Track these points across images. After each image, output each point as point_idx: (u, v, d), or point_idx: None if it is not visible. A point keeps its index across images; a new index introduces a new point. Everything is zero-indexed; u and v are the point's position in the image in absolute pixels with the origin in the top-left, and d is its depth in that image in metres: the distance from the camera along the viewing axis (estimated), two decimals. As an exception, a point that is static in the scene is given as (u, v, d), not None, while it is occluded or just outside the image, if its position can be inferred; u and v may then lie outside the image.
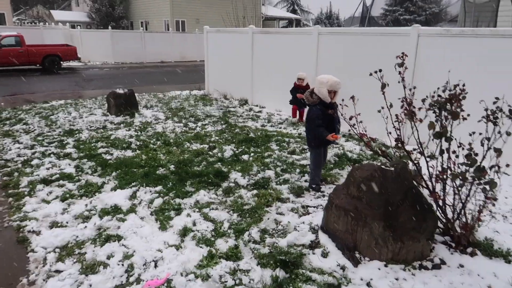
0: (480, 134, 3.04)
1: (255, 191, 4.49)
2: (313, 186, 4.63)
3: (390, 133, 3.65)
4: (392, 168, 3.17)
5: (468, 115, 3.08)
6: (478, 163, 3.05)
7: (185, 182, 4.74)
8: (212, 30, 11.17)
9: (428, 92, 3.39)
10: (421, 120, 3.41)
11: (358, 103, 3.72)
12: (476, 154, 3.08)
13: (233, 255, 3.26)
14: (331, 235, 3.47)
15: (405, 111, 3.39)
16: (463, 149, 3.13)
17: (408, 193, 3.12)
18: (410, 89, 3.51)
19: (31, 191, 4.54)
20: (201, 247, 3.38)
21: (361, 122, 3.81)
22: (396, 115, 3.46)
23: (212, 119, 8.24)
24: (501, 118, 2.97)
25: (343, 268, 3.06)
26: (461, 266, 3.06)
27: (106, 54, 21.90)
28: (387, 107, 3.50)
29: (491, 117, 3.00)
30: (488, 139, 3.05)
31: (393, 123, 3.52)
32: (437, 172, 3.33)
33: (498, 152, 2.99)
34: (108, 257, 3.27)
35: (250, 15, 20.90)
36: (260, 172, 5.12)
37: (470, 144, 3.08)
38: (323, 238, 3.49)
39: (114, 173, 5.02)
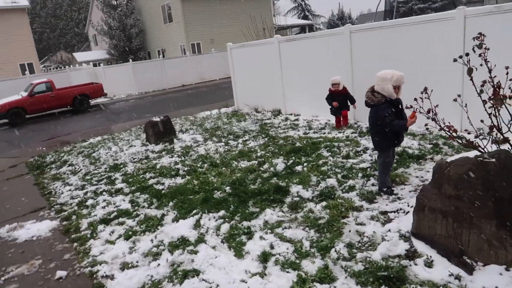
0: None
1: (324, 203, 4.20)
2: (384, 189, 4.28)
3: (470, 122, 3.30)
4: (494, 159, 2.81)
5: None
6: None
7: (247, 202, 4.50)
8: (235, 46, 11.08)
9: (486, 76, 3.05)
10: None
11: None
12: None
13: (326, 276, 2.96)
14: (427, 241, 3.12)
15: (494, 96, 3.04)
16: None
17: (520, 184, 2.75)
18: (490, 71, 3.16)
19: (93, 233, 4.41)
20: (287, 271, 3.10)
21: (435, 114, 3.48)
22: (489, 99, 3.10)
23: (251, 134, 8.03)
24: None
25: (457, 277, 2.70)
26: None
27: (130, 86, 22.31)
28: (478, 93, 3.13)
29: None
30: None
31: (485, 110, 3.14)
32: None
33: None
34: (191, 295, 3.04)
35: (263, 27, 20.88)
36: (320, 182, 4.82)
37: None
38: (419, 245, 3.14)
39: (171, 203, 4.85)
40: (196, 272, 3.32)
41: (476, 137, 3.41)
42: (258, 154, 6.41)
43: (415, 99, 3.46)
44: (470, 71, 3.09)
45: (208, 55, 24.95)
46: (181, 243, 3.86)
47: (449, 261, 2.89)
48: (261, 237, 3.69)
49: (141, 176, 6.11)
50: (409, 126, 3.78)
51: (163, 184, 5.60)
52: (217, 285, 3.09)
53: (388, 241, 3.28)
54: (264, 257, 3.33)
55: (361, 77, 7.35)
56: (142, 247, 3.92)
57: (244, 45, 10.92)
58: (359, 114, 7.66)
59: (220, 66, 23.62)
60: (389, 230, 3.45)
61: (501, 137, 3.07)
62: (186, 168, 6.15)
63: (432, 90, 3.50)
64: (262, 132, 8.04)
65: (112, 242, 4.15)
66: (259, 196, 4.62)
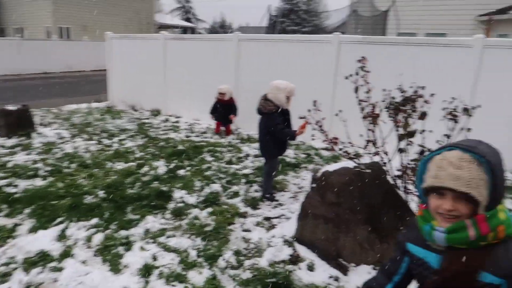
0: (431, 131, 3.19)
1: (209, 209, 4.08)
2: (267, 196, 4.41)
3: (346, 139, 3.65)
4: (369, 170, 3.13)
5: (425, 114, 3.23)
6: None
7: (124, 209, 4.06)
8: (116, 37, 10.14)
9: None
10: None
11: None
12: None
13: (214, 287, 2.83)
14: (309, 245, 3.29)
15: (370, 114, 3.40)
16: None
17: (388, 194, 3.12)
18: (366, 92, 3.55)
19: None
20: (173, 285, 2.87)
21: (321, 126, 3.75)
22: (369, 116, 3.44)
23: (128, 133, 7.41)
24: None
25: (336, 279, 2.90)
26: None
27: (-32, 65, 18.32)
28: (361, 110, 3.46)
29: (450, 115, 3.18)
30: (448, 136, 3.23)
31: (365, 125, 3.49)
32: (401, 169, 3.42)
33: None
34: (53, 322, 2.53)
35: (145, 22, 19.88)
36: (205, 187, 4.70)
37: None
38: (302, 250, 3.29)
39: (27, 210, 4.03)
40: (60, 294, 2.79)
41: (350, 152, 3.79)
42: (137, 156, 5.92)
43: (309, 110, 3.65)
44: (356, 90, 3.41)
45: (79, 42, 22.35)
46: (41, 259, 3.22)
47: (328, 263, 3.10)
48: (142, 248, 3.35)
49: (-16, 176, 4.96)
50: (298, 135, 3.96)
51: (16, 186, 4.65)
52: (89, 307, 2.65)
53: (273, 247, 3.35)
54: (146, 271, 3.01)
55: (248, 84, 7.55)
56: (-16, 266, 3.13)
57: (128, 37, 10.11)
58: (241, 121, 7.83)
59: (92, 57, 21.35)
60: (274, 236, 3.54)
61: (374, 150, 3.45)
62: (48, 168, 5.25)
63: (320, 104, 3.75)
64: (140, 132, 7.50)
65: None
66: (139, 201, 4.22)
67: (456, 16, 13.66)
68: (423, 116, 3.22)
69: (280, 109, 4.09)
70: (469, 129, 3.17)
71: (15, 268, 3.10)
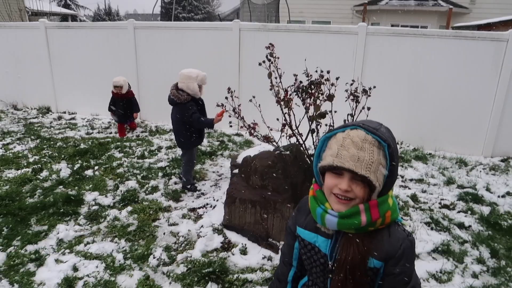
0: (336, 112, 3.50)
1: (129, 208, 3.84)
2: (189, 186, 4.34)
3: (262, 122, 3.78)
4: (288, 152, 3.31)
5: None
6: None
7: (27, 221, 3.57)
8: (-20, 25, 8.61)
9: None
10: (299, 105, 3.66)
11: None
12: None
13: (149, 287, 2.71)
14: (239, 230, 3.36)
15: (284, 98, 3.56)
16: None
17: (307, 172, 3.34)
18: (276, 77, 3.70)
19: None
20: (102, 294, 2.65)
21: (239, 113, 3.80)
22: (284, 100, 3.57)
23: (15, 136, 6.46)
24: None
25: (269, 258, 3.03)
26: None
27: None
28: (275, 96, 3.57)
29: (352, 96, 3.52)
30: (352, 115, 3.58)
31: (281, 109, 3.61)
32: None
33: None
34: None
35: (19, 8, 17.35)
36: (119, 185, 4.40)
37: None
38: (232, 235, 3.35)
39: None
40: (-39, 329, 2.36)
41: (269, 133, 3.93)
42: (31, 160, 5.21)
43: (226, 98, 3.64)
44: (269, 75, 3.52)
45: None
46: None
47: (259, 245, 3.21)
48: (57, 260, 3.00)
49: None
50: (216, 123, 3.94)
51: None
52: (3, 337, 2.30)
53: (203, 237, 3.33)
54: (68, 284, 2.72)
55: (149, 73, 7.20)
56: None
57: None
58: (146, 113, 7.47)
59: None
60: (202, 226, 3.51)
61: (291, 132, 3.64)
62: None
63: (234, 91, 3.79)
64: (30, 133, 6.60)
65: None
66: (43, 210, 3.76)
67: (337, 5, 15.00)
68: (331, 98, 3.51)
69: (193, 98, 4.02)
70: (369, 108, 3.56)
71: None
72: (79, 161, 5.14)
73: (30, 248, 3.16)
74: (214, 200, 4.05)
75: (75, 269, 2.90)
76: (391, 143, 1.09)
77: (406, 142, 6.15)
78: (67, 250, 3.15)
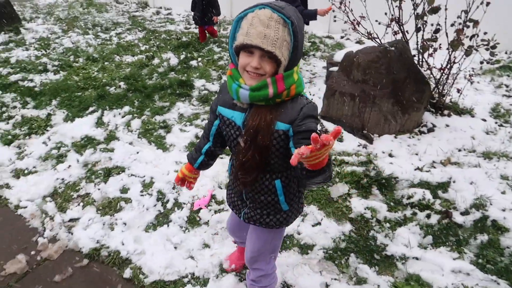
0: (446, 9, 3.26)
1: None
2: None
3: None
4: (393, 48, 3.31)
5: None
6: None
7: (152, 97, 4.20)
8: None
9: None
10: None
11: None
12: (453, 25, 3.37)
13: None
14: (335, 121, 3.62)
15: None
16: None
17: (410, 70, 3.36)
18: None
19: (-47, 140, 3.48)
20: (221, 157, 3.20)
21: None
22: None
23: (123, 26, 7.10)
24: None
25: (364, 146, 3.30)
26: (447, 125, 3.59)
27: None
28: None
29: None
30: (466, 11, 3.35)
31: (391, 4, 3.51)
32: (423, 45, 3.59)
33: (475, 22, 3.33)
34: (123, 191, 2.87)
35: None
36: (222, 76, 4.82)
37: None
38: (329, 125, 3.63)
39: (54, 102, 4.12)
40: (121, 169, 3.09)
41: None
42: (142, 49, 5.82)
43: None
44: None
45: None
46: (88, 142, 3.45)
47: (354, 135, 3.47)
48: (181, 130, 3.61)
49: (-8, 72, 4.86)
50: (319, 14, 3.93)
51: (31, 80, 4.62)
52: (152, 177, 2.98)
53: (302, 124, 3.65)
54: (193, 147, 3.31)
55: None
56: (36, 151, 3.35)
57: None
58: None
59: None
60: (300, 115, 3.82)
61: (398, 28, 3.58)
62: (56, 63, 5.16)
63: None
64: (136, 25, 7.18)
65: (-13, 149, 3.39)
66: (162, 90, 4.35)
67: None
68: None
69: None
70: (488, 3, 3.29)
71: (68, 151, 3.33)
72: (183, 52, 5.61)
73: (159, 118, 3.79)
74: (310, 94, 4.30)
75: (197, 137, 3.47)
76: (295, 21, 1.16)
77: None
78: (188, 123, 3.72)
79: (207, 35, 6.18)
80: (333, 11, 3.88)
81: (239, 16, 1.21)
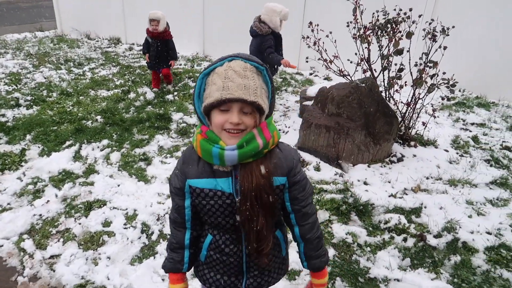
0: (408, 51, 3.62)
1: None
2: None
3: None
4: (364, 84, 3.60)
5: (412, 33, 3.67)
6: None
7: (130, 130, 4.22)
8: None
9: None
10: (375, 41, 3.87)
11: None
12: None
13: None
14: (312, 151, 3.80)
15: (361, 34, 3.77)
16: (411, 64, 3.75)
17: (379, 104, 3.64)
18: (359, 13, 3.88)
19: None
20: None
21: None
22: (362, 37, 3.79)
23: (96, 62, 7.13)
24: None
25: (341, 175, 3.47)
26: (414, 155, 3.86)
27: None
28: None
29: (430, 35, 3.63)
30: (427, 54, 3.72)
31: (356, 46, 3.83)
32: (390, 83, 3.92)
33: (434, 63, 3.70)
34: (106, 225, 2.83)
35: None
36: (198, 110, 4.93)
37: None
38: (306, 156, 3.79)
39: (28, 136, 4.04)
40: (102, 203, 3.06)
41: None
42: (117, 83, 5.86)
43: (312, 30, 3.90)
44: (354, 10, 3.72)
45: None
46: (66, 176, 3.40)
47: (330, 165, 3.65)
48: (162, 162, 3.64)
49: (-40, 107, 4.70)
50: (282, 63, 4.19)
51: (3, 115, 4.51)
52: (135, 209, 2.97)
53: (280, 155, 3.80)
54: (176, 179, 3.34)
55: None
56: (10, 187, 3.25)
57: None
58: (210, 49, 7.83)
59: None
60: (278, 147, 3.98)
61: (368, 67, 3.90)
62: (28, 97, 5.08)
63: (317, 24, 4.02)
64: (109, 60, 7.24)
65: (-44, 187, 3.25)
66: (140, 124, 4.39)
67: None
68: (409, 35, 3.67)
69: (271, 32, 4.30)
70: (445, 47, 3.69)
71: (45, 185, 3.26)
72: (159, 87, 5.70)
73: (138, 150, 3.81)
74: (286, 127, 4.49)
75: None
76: (267, 67, 1.14)
77: (468, 89, 6.14)
78: (168, 155, 3.77)
79: (161, 79, 5.53)
80: (308, 46, 4.16)
81: (204, 73, 1.12)
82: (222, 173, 1.16)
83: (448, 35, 3.67)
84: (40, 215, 2.94)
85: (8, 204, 3.07)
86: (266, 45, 4.24)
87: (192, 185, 1.19)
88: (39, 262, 2.48)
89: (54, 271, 2.41)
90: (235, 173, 1.16)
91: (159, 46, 5.12)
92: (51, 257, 2.54)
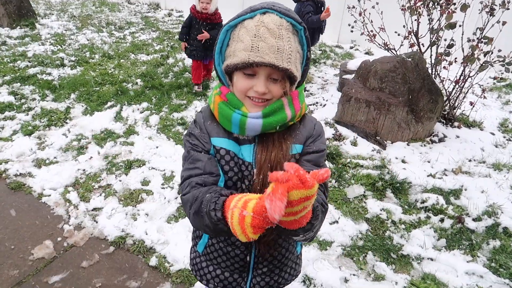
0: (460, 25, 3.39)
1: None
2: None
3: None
4: (410, 59, 3.43)
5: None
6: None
7: (169, 95, 4.28)
8: None
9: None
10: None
11: None
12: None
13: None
14: (349, 126, 3.72)
15: (411, 5, 3.56)
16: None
17: (425, 81, 3.48)
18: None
19: (-25, 127, 3.54)
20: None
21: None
22: (412, 8, 3.59)
23: (137, 26, 7.20)
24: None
25: (378, 151, 3.40)
26: (457, 136, 3.70)
27: None
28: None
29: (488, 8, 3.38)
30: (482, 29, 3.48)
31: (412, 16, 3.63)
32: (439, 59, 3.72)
33: (489, 39, 3.45)
34: (145, 183, 2.94)
35: None
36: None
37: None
38: (343, 130, 3.72)
39: (72, 95, 4.19)
40: (141, 162, 3.16)
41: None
42: (156, 48, 5.92)
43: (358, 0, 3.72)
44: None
45: None
46: (108, 135, 3.52)
47: (367, 140, 3.57)
48: (199, 128, 3.69)
49: (9, 65, 4.93)
50: (322, 18, 3.99)
51: (50, 74, 4.70)
52: (172, 171, 3.05)
53: (316, 128, 3.75)
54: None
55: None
56: (56, 142, 3.41)
57: None
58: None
59: None
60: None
61: (415, 41, 3.70)
62: (72, 58, 5.24)
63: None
64: (149, 25, 7.29)
65: (8, 139, 3.45)
66: (179, 89, 4.44)
67: None
68: (464, 7, 3.43)
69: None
70: (504, 23, 3.43)
71: (89, 143, 3.40)
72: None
73: (176, 115, 3.88)
74: (324, 100, 4.40)
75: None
76: (305, 26, 0.93)
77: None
78: (205, 121, 3.81)
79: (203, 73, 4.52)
80: (355, 21, 3.98)
81: (230, 24, 0.93)
82: (244, 140, 1.01)
83: (508, 9, 3.40)
84: (84, 170, 3.08)
85: (55, 157, 3.23)
86: (305, 11, 4.10)
87: (217, 145, 1.00)
88: (83, 213, 2.63)
89: (96, 222, 2.55)
90: (257, 140, 1.01)
91: (208, 31, 4.14)
92: (94, 209, 2.67)
